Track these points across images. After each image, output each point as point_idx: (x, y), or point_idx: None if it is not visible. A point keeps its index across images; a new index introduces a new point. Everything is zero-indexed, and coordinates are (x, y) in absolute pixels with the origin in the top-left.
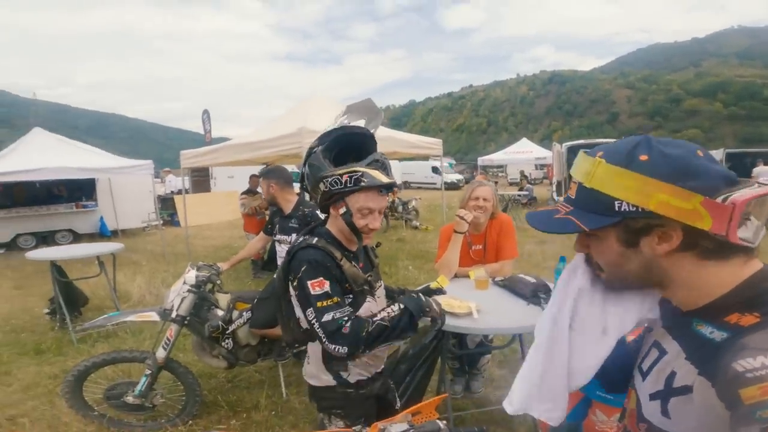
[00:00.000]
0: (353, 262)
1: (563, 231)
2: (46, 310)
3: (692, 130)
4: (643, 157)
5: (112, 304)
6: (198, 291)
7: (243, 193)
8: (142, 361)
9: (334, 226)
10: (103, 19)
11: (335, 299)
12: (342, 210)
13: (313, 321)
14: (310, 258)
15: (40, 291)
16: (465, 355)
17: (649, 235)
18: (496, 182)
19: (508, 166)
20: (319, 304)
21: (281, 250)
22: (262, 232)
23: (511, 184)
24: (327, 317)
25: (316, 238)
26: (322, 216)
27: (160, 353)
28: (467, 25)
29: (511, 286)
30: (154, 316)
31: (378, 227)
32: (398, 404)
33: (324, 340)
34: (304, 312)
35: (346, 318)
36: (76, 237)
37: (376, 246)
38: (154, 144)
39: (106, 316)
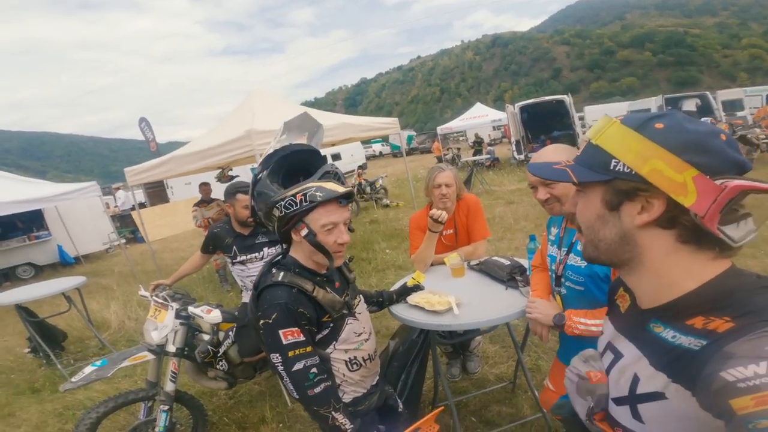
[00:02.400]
0: (327, 288)
1: (557, 179)
2: (27, 350)
3: (629, 78)
4: (659, 125)
5: (92, 333)
6: (188, 321)
7: (195, 205)
8: (151, 399)
9: (300, 251)
10: (3, 37)
11: (308, 348)
12: (304, 232)
13: (280, 366)
14: (281, 302)
15: (15, 330)
16: None
17: (633, 201)
18: (458, 148)
19: (468, 131)
20: (290, 353)
21: (247, 269)
22: (200, 252)
23: (471, 147)
24: (298, 366)
25: (282, 273)
26: None
27: (170, 387)
28: None
29: (487, 270)
30: (148, 356)
31: (348, 240)
32: (400, 407)
33: (288, 383)
34: (268, 353)
35: (316, 372)
36: (38, 270)
37: (349, 260)
38: (97, 158)
39: (93, 367)
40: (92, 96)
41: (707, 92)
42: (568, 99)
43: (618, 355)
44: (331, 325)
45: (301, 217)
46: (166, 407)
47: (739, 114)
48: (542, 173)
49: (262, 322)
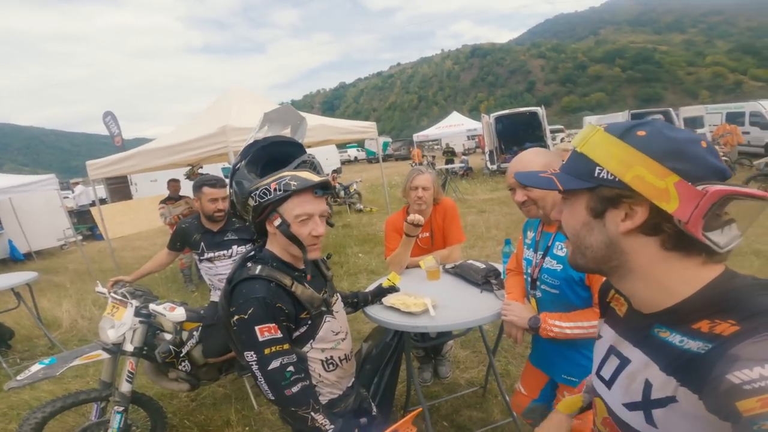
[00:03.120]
0: (305, 284)
1: (542, 187)
2: None
3: (598, 93)
4: (641, 133)
5: (41, 332)
6: (148, 320)
7: (162, 202)
8: (104, 399)
9: (276, 245)
10: None
11: (285, 345)
12: (277, 222)
13: (254, 365)
14: (258, 296)
15: None
16: None
17: (617, 208)
18: (433, 156)
19: (442, 139)
20: (266, 350)
21: (215, 267)
22: (167, 248)
23: (443, 155)
24: (274, 364)
25: (259, 266)
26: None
27: (125, 387)
28: (390, 4)
29: (462, 273)
30: (102, 355)
31: (323, 233)
32: (374, 410)
33: (263, 384)
34: (242, 351)
35: (292, 370)
36: None
37: (327, 258)
38: (58, 152)
39: (40, 365)
40: (59, 89)
41: (670, 109)
42: (541, 111)
43: (624, 361)
44: (309, 322)
45: (275, 207)
46: (121, 408)
47: (699, 131)
48: (529, 182)
49: (236, 318)
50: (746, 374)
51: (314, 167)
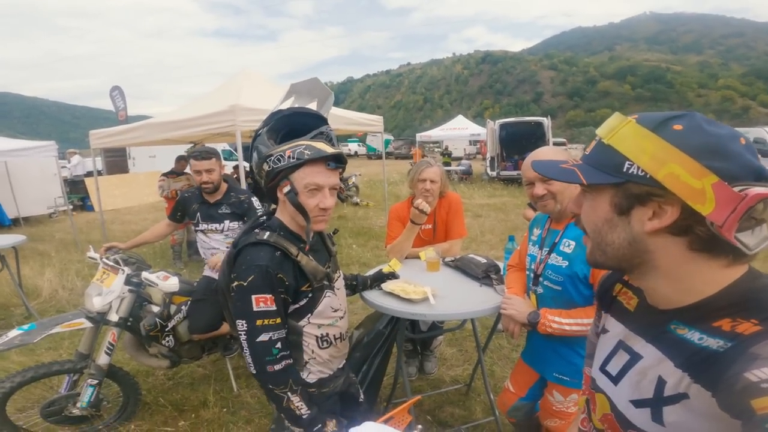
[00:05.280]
0: (310, 255)
1: (563, 179)
2: None
3: (604, 110)
4: (677, 127)
5: (19, 301)
6: (138, 290)
7: (164, 174)
8: (78, 372)
9: (285, 213)
10: None
11: (277, 320)
12: (286, 189)
13: (243, 335)
14: (261, 264)
15: None
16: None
17: (645, 206)
18: (434, 157)
19: (444, 141)
20: (258, 322)
21: (209, 240)
22: (167, 219)
23: (442, 156)
24: (263, 337)
25: (267, 233)
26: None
27: (103, 360)
28: (406, 4)
29: (462, 267)
30: (85, 323)
31: (331, 206)
32: (361, 397)
33: (247, 356)
34: (235, 319)
35: (280, 347)
36: None
37: (334, 233)
38: (58, 123)
39: (18, 331)
40: (67, 62)
41: None
42: (546, 122)
43: (635, 356)
44: (310, 295)
45: (287, 174)
46: (95, 381)
47: None
48: (548, 172)
49: (236, 284)
50: (764, 372)
51: (330, 139)
